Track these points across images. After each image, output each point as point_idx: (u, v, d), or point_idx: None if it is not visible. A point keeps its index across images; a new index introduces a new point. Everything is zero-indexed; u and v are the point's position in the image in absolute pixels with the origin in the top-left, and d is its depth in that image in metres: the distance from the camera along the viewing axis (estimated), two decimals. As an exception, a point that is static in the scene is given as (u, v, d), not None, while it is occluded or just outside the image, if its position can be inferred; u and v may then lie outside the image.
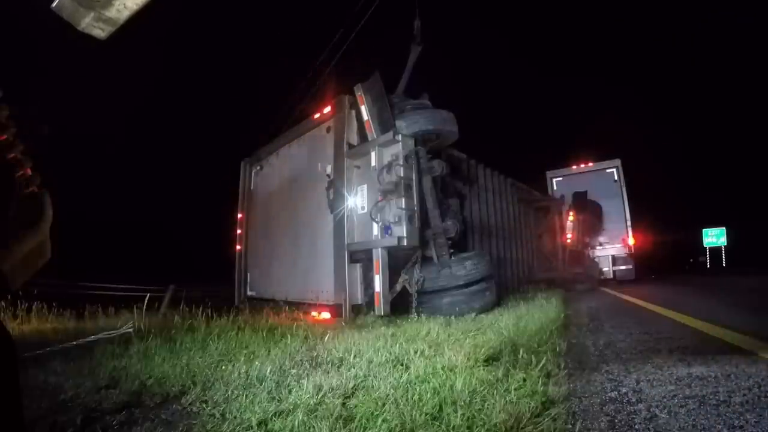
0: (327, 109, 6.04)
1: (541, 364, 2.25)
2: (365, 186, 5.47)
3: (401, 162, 5.02)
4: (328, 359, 2.61)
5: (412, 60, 6.50)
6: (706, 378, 2.02)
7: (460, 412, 1.62)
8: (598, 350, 2.91)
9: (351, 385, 2.03)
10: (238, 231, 8.05)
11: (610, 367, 2.41)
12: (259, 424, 1.64)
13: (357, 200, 5.54)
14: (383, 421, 1.59)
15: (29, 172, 0.63)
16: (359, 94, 5.64)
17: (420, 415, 1.62)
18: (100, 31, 1.32)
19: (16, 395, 0.52)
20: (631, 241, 12.28)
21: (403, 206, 4.91)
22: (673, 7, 34.00)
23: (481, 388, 1.90)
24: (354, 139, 5.75)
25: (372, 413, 1.67)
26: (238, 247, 8.03)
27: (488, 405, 1.69)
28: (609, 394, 1.92)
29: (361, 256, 5.37)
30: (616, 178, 12.74)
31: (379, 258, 5.01)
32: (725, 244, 23.76)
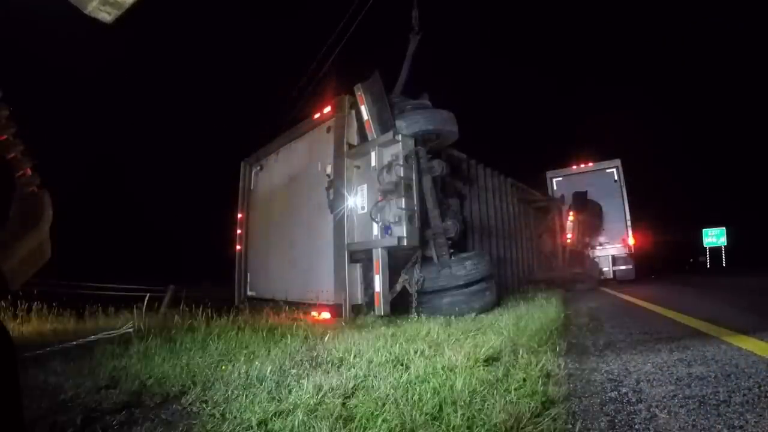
0: (327, 109, 6.04)
1: (541, 364, 2.26)
2: (365, 186, 5.47)
3: (401, 162, 5.02)
4: (328, 359, 2.61)
5: (411, 50, 6.51)
6: (706, 378, 2.02)
7: (460, 412, 1.62)
8: (598, 350, 2.91)
9: (351, 385, 2.03)
10: (238, 231, 8.05)
11: (610, 367, 2.41)
12: (259, 424, 1.64)
13: (357, 200, 5.54)
14: (383, 421, 1.59)
15: (29, 172, 0.63)
16: (359, 94, 5.64)
17: (420, 415, 1.62)
18: (106, 15, 1.32)
19: (16, 395, 0.52)
20: (631, 241, 12.27)
21: (403, 206, 4.91)
22: (671, 7, 34.00)
23: (481, 388, 1.90)
24: (354, 139, 5.75)
25: (372, 413, 1.67)
26: (238, 247, 8.03)
27: (488, 405, 1.69)
28: (609, 394, 1.92)
29: (361, 256, 5.37)
30: (616, 178, 12.73)
31: (379, 258, 5.01)
32: (725, 244, 23.76)
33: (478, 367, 2.28)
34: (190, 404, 1.96)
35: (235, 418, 1.72)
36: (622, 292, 7.97)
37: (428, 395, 1.82)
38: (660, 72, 40.15)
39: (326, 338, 3.33)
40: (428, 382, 2.00)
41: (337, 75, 8.24)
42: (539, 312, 4.44)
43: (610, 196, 12.53)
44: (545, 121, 37.13)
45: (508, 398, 1.77)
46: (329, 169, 5.79)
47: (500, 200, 8.43)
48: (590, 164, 13.34)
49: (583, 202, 12.00)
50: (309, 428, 1.58)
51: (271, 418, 1.68)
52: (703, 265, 24.10)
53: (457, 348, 2.67)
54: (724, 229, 23.84)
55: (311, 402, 1.82)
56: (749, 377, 1.97)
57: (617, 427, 1.55)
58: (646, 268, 13.82)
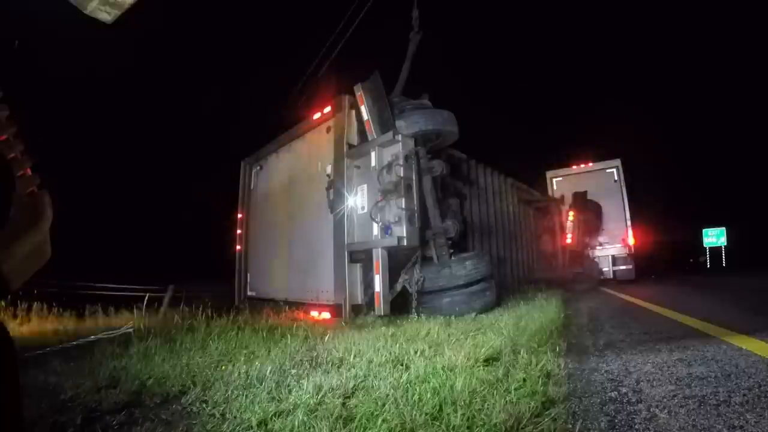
0: (327, 109, 6.04)
1: (541, 364, 2.26)
2: (365, 186, 5.47)
3: (401, 162, 5.02)
4: (328, 359, 2.61)
5: (411, 49, 6.51)
6: (706, 378, 2.02)
7: (460, 412, 1.62)
8: (598, 350, 2.91)
9: (351, 385, 2.03)
10: (238, 231, 8.05)
11: (610, 367, 2.41)
12: (259, 424, 1.64)
13: (357, 200, 5.54)
14: (383, 421, 1.59)
15: (29, 172, 0.63)
16: (359, 94, 5.64)
17: (420, 415, 1.62)
18: (106, 15, 1.33)
19: (16, 395, 0.52)
20: (631, 241, 12.26)
21: (403, 206, 4.91)
22: (671, 5, 34.00)
23: (481, 388, 1.90)
24: (354, 139, 5.75)
25: (372, 413, 1.67)
26: (238, 247, 8.03)
27: (488, 405, 1.69)
28: (609, 394, 1.92)
29: (361, 256, 5.37)
30: (616, 178, 12.72)
31: (379, 258, 5.01)
32: (725, 244, 23.74)
33: (478, 367, 2.28)
34: (190, 404, 1.96)
35: (235, 418, 1.72)
36: (622, 292, 7.97)
37: (428, 395, 1.82)
38: (660, 72, 40.15)
39: (326, 338, 3.33)
40: (428, 382, 2.00)
41: (337, 75, 8.23)
42: (539, 312, 4.44)
43: (610, 196, 12.52)
44: (545, 120, 37.11)
45: (508, 398, 1.77)
46: (329, 169, 5.79)
47: (500, 200, 8.42)
48: (590, 164, 13.33)
49: (583, 202, 12.00)
50: (309, 428, 1.58)
51: (271, 418, 1.68)
52: (703, 265, 24.06)
53: (457, 348, 2.67)
54: (724, 229, 23.82)
55: (311, 402, 1.82)
56: (749, 377, 1.97)
57: (617, 427, 1.55)
58: (646, 268, 13.81)
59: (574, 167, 13.45)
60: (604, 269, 12.25)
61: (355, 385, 2.04)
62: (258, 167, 7.92)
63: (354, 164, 5.63)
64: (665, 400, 1.77)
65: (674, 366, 2.29)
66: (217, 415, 1.78)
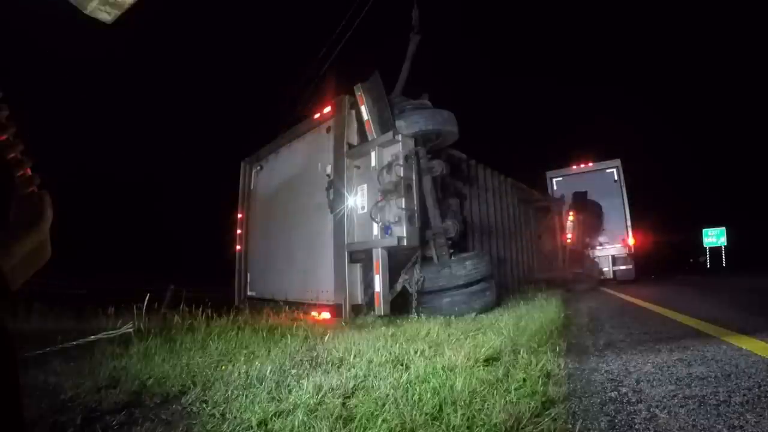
0: (327, 109, 6.05)
1: (541, 364, 2.26)
2: (365, 186, 5.47)
3: (401, 162, 5.02)
4: (328, 359, 2.61)
5: (411, 50, 6.52)
6: (706, 378, 2.02)
7: (460, 412, 1.62)
8: (598, 350, 2.91)
9: (351, 385, 2.03)
10: (238, 231, 8.05)
11: (610, 367, 2.41)
12: (259, 424, 1.64)
13: (357, 200, 5.54)
14: (383, 421, 1.59)
15: (29, 172, 0.63)
16: (359, 94, 5.64)
17: (420, 415, 1.62)
18: (106, 15, 1.33)
19: (16, 395, 0.52)
20: (631, 241, 12.27)
21: (403, 206, 4.91)
22: (671, 5, 34.03)
23: (481, 388, 1.90)
24: (354, 139, 5.76)
25: (372, 413, 1.67)
26: (238, 247, 8.04)
27: (488, 405, 1.69)
28: (609, 394, 1.92)
29: (361, 256, 5.37)
30: (616, 178, 12.74)
31: (379, 258, 5.01)
32: (725, 244, 23.73)
33: (478, 367, 2.28)
34: (190, 404, 1.96)
35: (235, 418, 1.72)
36: (622, 292, 7.97)
37: (428, 395, 1.82)
38: (660, 72, 40.18)
39: (326, 338, 3.33)
40: (428, 382, 2.00)
41: (337, 75, 8.24)
42: (539, 312, 4.44)
43: (610, 196, 12.54)
44: (545, 121, 37.08)
45: (508, 398, 1.77)
46: (329, 169, 5.79)
47: (500, 200, 8.43)
48: (590, 164, 13.35)
49: (583, 202, 12.01)
50: (309, 428, 1.58)
51: (271, 418, 1.68)
52: (703, 265, 24.04)
53: (457, 348, 2.67)
54: (724, 229, 23.79)
55: (311, 402, 1.82)
56: (749, 377, 1.97)
57: (617, 427, 1.55)
58: (646, 268, 13.82)
59: (574, 167, 13.48)
60: (604, 269, 12.26)
61: (355, 385, 2.04)
62: (258, 167, 7.92)
63: (354, 164, 5.63)
64: (665, 400, 1.77)
65: (674, 366, 2.29)
66: (217, 415, 1.78)
